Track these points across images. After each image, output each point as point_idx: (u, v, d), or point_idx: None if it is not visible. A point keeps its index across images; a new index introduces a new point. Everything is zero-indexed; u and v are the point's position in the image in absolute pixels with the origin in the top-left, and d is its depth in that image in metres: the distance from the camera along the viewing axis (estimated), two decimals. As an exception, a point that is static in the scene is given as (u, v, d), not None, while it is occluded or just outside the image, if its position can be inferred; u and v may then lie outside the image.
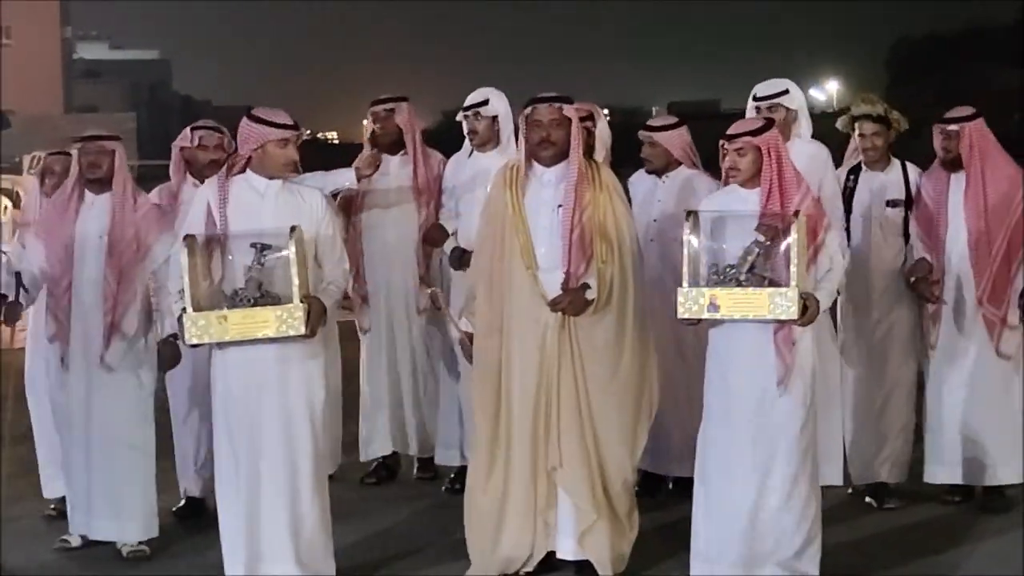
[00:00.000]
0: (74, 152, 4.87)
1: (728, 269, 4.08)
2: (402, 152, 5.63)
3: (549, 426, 4.20)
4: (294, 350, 4.13)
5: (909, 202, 5.24)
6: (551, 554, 4.31)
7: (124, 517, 4.68)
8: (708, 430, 4.17)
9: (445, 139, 6.40)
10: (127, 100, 46.63)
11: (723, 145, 4.31)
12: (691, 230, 4.10)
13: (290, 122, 4.24)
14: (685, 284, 4.07)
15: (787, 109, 5.15)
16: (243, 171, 4.23)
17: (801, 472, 4.04)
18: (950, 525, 4.97)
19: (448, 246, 5.43)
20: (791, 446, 4.03)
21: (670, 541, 4.58)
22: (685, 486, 4.67)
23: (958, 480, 5.18)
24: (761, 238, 4.06)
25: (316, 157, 6.23)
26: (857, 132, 5.26)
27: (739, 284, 4.04)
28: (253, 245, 4.07)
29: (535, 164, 4.28)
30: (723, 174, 4.51)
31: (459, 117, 5.59)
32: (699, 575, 4.14)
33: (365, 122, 5.81)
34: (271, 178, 4.21)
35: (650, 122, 5.69)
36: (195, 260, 4.08)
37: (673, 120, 5.68)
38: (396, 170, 5.61)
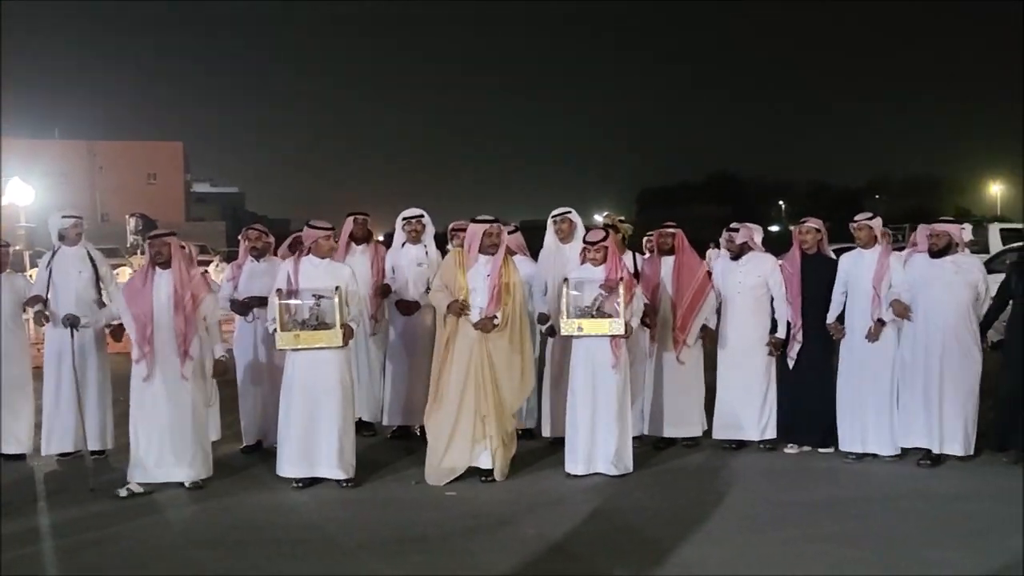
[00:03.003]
0: (145, 245, 7.61)
1: (587, 308, 7.42)
2: (365, 243, 9.03)
3: (479, 391, 7.26)
4: (336, 352, 7.23)
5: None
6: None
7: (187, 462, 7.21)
8: (571, 390, 7.49)
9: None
10: (219, 215, 73.11)
11: (585, 244, 7.74)
12: (567, 287, 7.45)
13: (329, 227, 7.45)
14: (564, 316, 7.43)
15: (571, 221, 8.62)
16: (307, 253, 7.40)
17: (621, 409, 7.36)
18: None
19: (392, 298, 8.76)
20: (614, 396, 7.37)
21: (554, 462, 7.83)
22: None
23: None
24: (604, 292, 7.30)
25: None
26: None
27: (592, 316, 7.39)
28: (314, 295, 7.19)
29: (479, 254, 7.39)
30: (581, 257, 7.91)
31: (399, 223, 8.94)
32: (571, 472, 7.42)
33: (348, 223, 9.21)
34: (322, 258, 7.32)
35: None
36: (283, 303, 7.17)
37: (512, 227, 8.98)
38: (360, 254, 8.89)
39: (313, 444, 7.21)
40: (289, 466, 7.24)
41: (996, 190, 65.81)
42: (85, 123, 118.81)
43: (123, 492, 7.00)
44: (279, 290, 7.27)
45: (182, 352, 7.09)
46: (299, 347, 7.17)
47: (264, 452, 8.26)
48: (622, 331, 7.34)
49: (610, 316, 7.37)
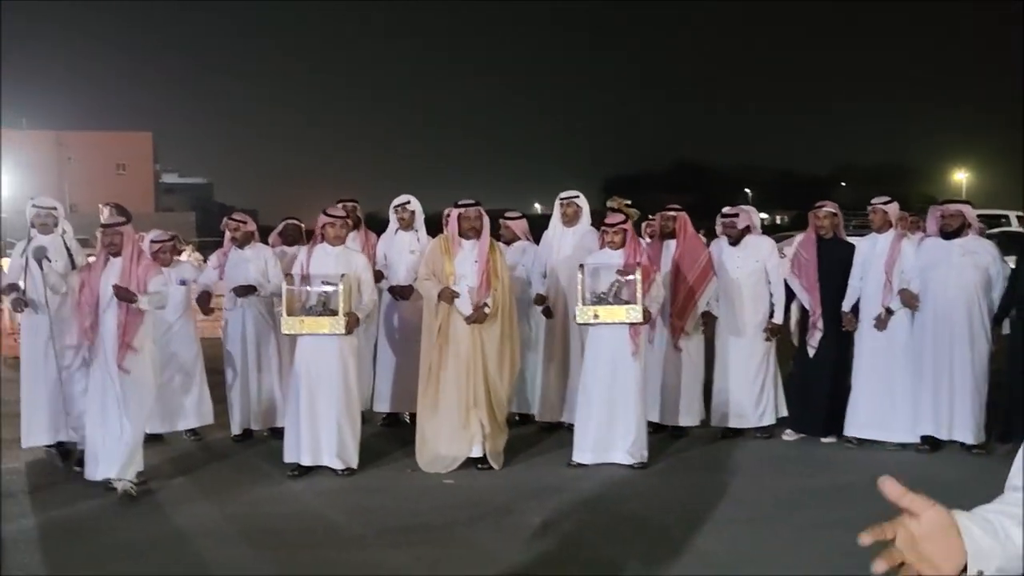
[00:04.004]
0: (98, 234, 7.24)
1: (602, 295, 7.10)
2: (355, 230, 8.83)
3: (469, 380, 7.12)
4: (340, 339, 7.04)
5: None
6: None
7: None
8: (584, 377, 7.28)
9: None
10: (188, 205, 72.16)
11: (603, 226, 7.47)
12: (583, 273, 7.12)
13: (339, 215, 7.26)
14: (579, 303, 7.09)
15: (577, 206, 8.48)
16: (320, 241, 7.19)
17: (638, 397, 7.18)
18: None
19: (384, 284, 8.61)
20: (634, 384, 7.19)
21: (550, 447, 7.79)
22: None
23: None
24: (621, 278, 7.08)
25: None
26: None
27: (609, 303, 7.07)
28: (324, 282, 6.87)
29: (463, 240, 7.23)
30: (600, 241, 7.60)
31: (391, 210, 8.89)
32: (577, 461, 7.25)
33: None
34: (333, 245, 7.10)
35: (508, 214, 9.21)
36: (291, 288, 6.95)
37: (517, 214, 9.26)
38: (350, 241, 8.64)
39: (314, 432, 7.08)
40: (291, 452, 7.12)
41: (961, 177, 66.31)
42: (52, 113, 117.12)
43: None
44: (289, 275, 7.21)
45: (123, 343, 6.70)
46: (303, 332, 7.07)
47: (254, 440, 8.14)
48: (640, 318, 7.13)
49: (628, 303, 7.19)
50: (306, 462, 7.07)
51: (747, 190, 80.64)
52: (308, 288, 7.09)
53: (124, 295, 6.61)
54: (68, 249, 7.84)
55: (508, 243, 8.75)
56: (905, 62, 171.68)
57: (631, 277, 7.16)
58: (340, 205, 8.56)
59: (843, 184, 78.58)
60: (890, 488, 1.49)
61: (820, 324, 7.94)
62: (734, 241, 8.25)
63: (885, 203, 7.89)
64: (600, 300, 7.23)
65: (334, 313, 6.99)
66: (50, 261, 7.21)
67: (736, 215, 8.29)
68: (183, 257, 20.20)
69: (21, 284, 7.69)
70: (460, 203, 7.37)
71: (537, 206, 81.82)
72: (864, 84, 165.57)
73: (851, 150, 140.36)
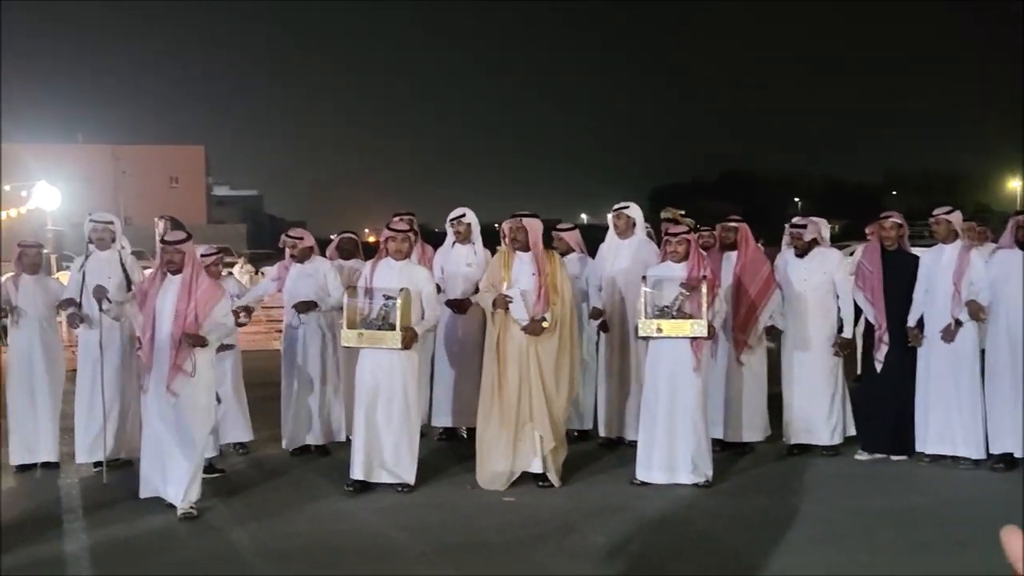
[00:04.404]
0: (158, 249, 7.10)
1: (666, 308, 6.92)
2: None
3: (523, 393, 7.00)
4: (400, 354, 6.96)
5: None
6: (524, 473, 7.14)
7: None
8: (645, 393, 7.14)
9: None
10: (239, 217, 74.16)
11: (666, 236, 7.28)
12: (645, 285, 7.01)
13: (402, 229, 7.16)
14: (642, 316, 6.89)
15: (627, 217, 8.26)
16: (384, 256, 7.13)
17: (699, 413, 6.96)
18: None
19: (441, 297, 8.30)
20: (695, 401, 6.97)
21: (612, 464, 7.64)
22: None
23: None
24: (685, 291, 6.90)
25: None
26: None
27: (672, 317, 6.90)
28: (385, 296, 6.79)
29: (518, 252, 7.13)
30: (662, 252, 7.46)
31: (447, 224, 8.77)
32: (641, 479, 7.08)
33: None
34: (397, 260, 7.05)
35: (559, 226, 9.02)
36: (353, 301, 6.93)
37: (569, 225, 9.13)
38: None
39: (373, 447, 6.98)
40: (356, 468, 7.00)
41: (1016, 185, 64.91)
42: (108, 127, 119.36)
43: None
44: (352, 288, 7.16)
45: (173, 366, 6.48)
46: (362, 345, 7.00)
47: (311, 456, 8.12)
48: (705, 332, 6.92)
49: (691, 317, 6.98)
50: (364, 478, 6.96)
51: (796, 199, 79.90)
52: (369, 301, 6.98)
53: (196, 341, 6.42)
54: (124, 265, 7.83)
55: (562, 255, 8.57)
56: (955, 65, 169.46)
57: (696, 290, 6.97)
58: (398, 219, 8.42)
59: (894, 192, 77.55)
60: (1012, 546, 1.31)
61: (886, 338, 7.69)
62: (801, 253, 8.01)
63: (947, 213, 7.64)
64: (663, 313, 7.05)
65: (393, 328, 6.88)
66: (110, 302, 7.25)
67: (804, 226, 8.05)
68: (236, 270, 20.41)
69: (77, 299, 7.70)
70: (514, 214, 7.28)
71: (584, 216, 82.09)
72: (913, 88, 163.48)
73: (900, 157, 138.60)
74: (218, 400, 7.18)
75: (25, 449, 7.84)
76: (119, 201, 62.84)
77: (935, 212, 7.72)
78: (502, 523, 6.30)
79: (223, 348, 7.37)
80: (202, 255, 8.07)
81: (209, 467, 7.21)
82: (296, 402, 8.19)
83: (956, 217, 7.66)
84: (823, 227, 8.23)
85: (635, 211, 8.39)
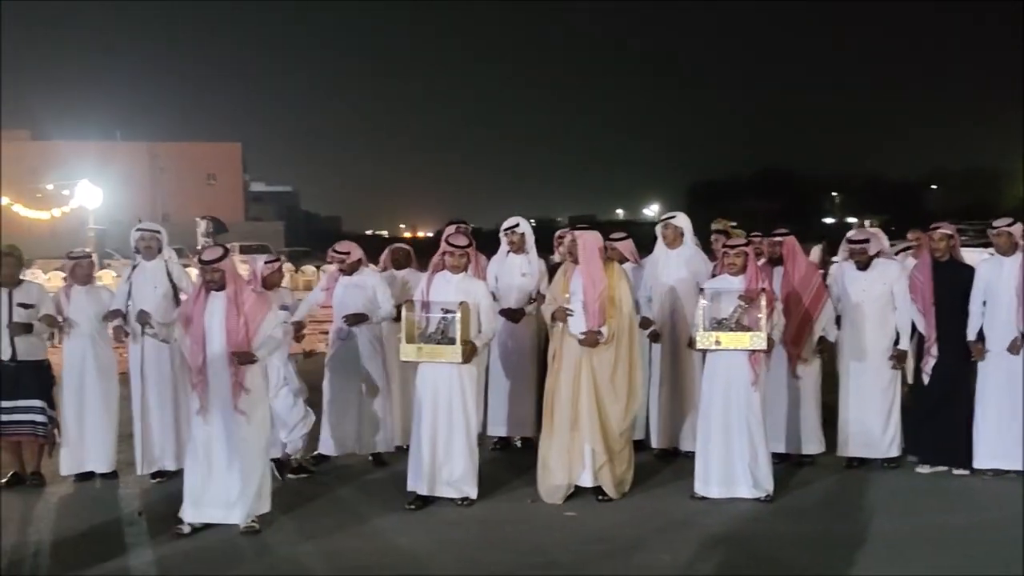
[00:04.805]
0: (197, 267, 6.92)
1: (724, 321, 6.87)
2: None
3: (575, 404, 7.00)
4: (458, 367, 6.97)
5: None
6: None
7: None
8: (702, 406, 7.10)
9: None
10: (275, 214, 75.88)
11: (724, 248, 7.22)
12: (703, 298, 6.94)
13: (460, 244, 7.12)
14: (701, 329, 6.84)
15: (675, 227, 8.16)
16: (442, 269, 7.11)
17: (757, 427, 6.94)
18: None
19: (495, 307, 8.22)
20: (753, 414, 6.96)
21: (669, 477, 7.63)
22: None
23: None
24: (743, 304, 6.84)
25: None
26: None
27: (731, 329, 6.86)
28: (443, 310, 6.79)
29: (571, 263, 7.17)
30: (719, 265, 7.37)
31: (501, 233, 8.71)
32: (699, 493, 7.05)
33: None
34: (454, 273, 7.05)
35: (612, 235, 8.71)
36: (411, 315, 6.88)
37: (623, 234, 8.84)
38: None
39: (433, 461, 6.97)
40: (414, 481, 7.02)
41: (1061, 183, 63.97)
42: (145, 125, 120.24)
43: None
44: (410, 301, 7.14)
45: (235, 383, 6.47)
46: (421, 359, 6.99)
47: (370, 467, 8.13)
48: (764, 345, 6.88)
49: (750, 329, 6.94)
50: (427, 492, 6.96)
51: (835, 195, 79.17)
52: (427, 315, 6.97)
53: (244, 358, 6.40)
54: (170, 274, 7.86)
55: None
56: (998, 59, 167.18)
57: (754, 303, 6.92)
58: (454, 227, 8.27)
59: (934, 187, 76.61)
60: None
61: (934, 350, 7.60)
62: (864, 266, 7.91)
63: (1009, 224, 7.53)
64: (721, 326, 6.99)
65: (452, 342, 6.86)
66: (152, 327, 7.36)
67: (866, 241, 7.95)
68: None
69: (123, 310, 7.73)
70: (574, 226, 7.28)
71: (620, 211, 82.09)
72: (955, 83, 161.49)
73: (941, 152, 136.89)
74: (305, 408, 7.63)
75: (72, 459, 7.88)
76: (157, 198, 63.65)
77: (995, 224, 7.60)
78: (567, 539, 6.29)
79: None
80: (265, 263, 8.12)
81: (299, 468, 7.77)
82: (337, 412, 8.16)
83: (1017, 229, 7.53)
84: (884, 240, 8.14)
85: (683, 220, 8.33)
